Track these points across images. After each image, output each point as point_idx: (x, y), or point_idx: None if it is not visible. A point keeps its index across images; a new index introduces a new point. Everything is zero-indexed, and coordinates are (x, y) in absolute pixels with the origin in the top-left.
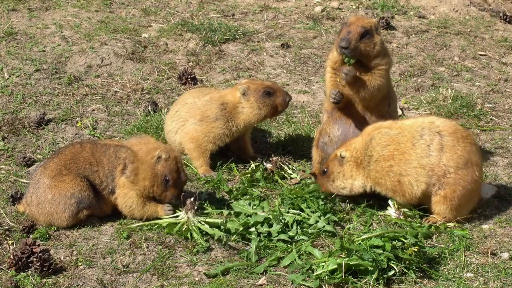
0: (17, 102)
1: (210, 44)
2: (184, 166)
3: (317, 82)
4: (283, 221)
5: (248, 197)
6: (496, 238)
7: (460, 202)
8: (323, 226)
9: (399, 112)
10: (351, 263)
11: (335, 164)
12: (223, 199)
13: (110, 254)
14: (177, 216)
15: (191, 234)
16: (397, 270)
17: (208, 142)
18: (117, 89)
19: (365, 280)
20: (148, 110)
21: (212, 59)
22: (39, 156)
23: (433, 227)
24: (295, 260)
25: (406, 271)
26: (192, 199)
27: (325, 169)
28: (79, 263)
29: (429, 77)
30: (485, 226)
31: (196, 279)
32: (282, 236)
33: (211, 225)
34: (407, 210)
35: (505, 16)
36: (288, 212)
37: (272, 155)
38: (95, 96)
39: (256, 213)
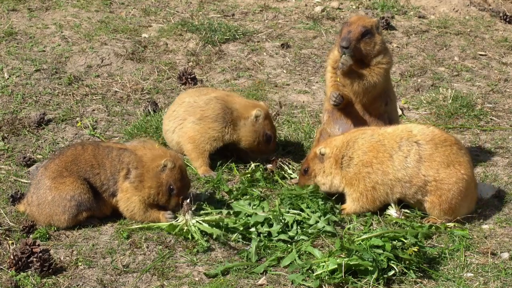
0: (17, 102)
1: (210, 44)
2: (187, 172)
3: (317, 82)
4: (283, 221)
5: (248, 197)
6: (496, 238)
7: (451, 204)
8: (323, 227)
9: (399, 112)
10: (351, 263)
11: (316, 162)
12: (223, 199)
13: (110, 254)
14: (175, 218)
15: (191, 235)
16: (397, 270)
17: (205, 142)
18: (117, 89)
19: (365, 280)
20: (148, 110)
21: (212, 59)
22: (39, 156)
23: (433, 227)
24: (295, 260)
25: (406, 271)
26: (188, 200)
27: (306, 168)
28: (79, 263)
29: (429, 77)
30: (485, 226)
31: (196, 279)
32: (282, 236)
33: (210, 223)
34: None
35: (505, 16)
36: (288, 212)
37: (272, 155)
38: (95, 96)
39: (256, 213)
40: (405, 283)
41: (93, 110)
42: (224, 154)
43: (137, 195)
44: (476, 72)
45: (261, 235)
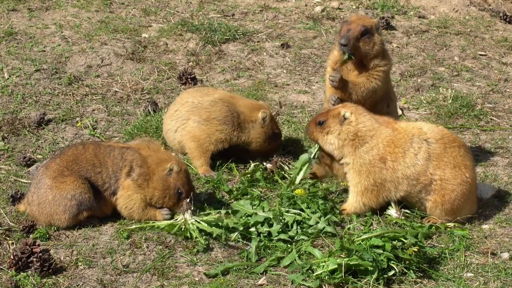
0: (17, 102)
1: (210, 44)
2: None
3: (317, 82)
4: (283, 221)
5: (248, 197)
6: (496, 238)
7: (453, 205)
8: (323, 228)
9: (399, 112)
10: (351, 263)
11: (335, 121)
12: (223, 199)
13: (110, 254)
14: (173, 217)
15: (190, 234)
16: (397, 270)
17: (210, 143)
18: (117, 89)
19: (365, 280)
20: (148, 110)
21: (212, 59)
22: (39, 156)
23: (433, 227)
24: (295, 260)
25: (406, 271)
26: (188, 200)
27: (323, 121)
28: (79, 263)
29: (429, 77)
30: (485, 226)
31: (196, 279)
32: (283, 236)
33: (209, 223)
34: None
35: (505, 16)
36: (288, 212)
37: (272, 155)
38: (95, 96)
39: (256, 213)
40: (405, 283)
41: (93, 110)
42: (224, 154)
43: (140, 193)
44: (476, 72)
45: (261, 235)
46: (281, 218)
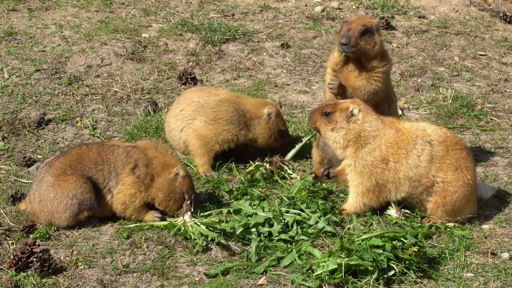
0: (17, 102)
1: (210, 44)
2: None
3: (317, 82)
4: (283, 221)
5: (248, 197)
6: (496, 238)
7: (454, 206)
8: (323, 227)
9: (399, 112)
10: (351, 263)
11: (343, 116)
12: (223, 199)
13: (110, 254)
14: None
15: (189, 235)
16: (397, 270)
17: (216, 142)
18: (117, 89)
19: (365, 280)
20: (148, 110)
21: (212, 59)
22: (39, 156)
23: (433, 227)
24: (295, 260)
25: (406, 271)
26: (188, 201)
27: (329, 112)
28: (79, 263)
29: (429, 77)
30: (485, 226)
31: (196, 279)
32: (283, 236)
33: (207, 225)
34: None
35: (505, 16)
36: (288, 212)
37: (272, 155)
38: (95, 96)
39: (256, 213)
40: (405, 283)
41: (93, 110)
42: (224, 154)
43: (143, 192)
44: (476, 72)
45: (262, 235)
46: (281, 218)
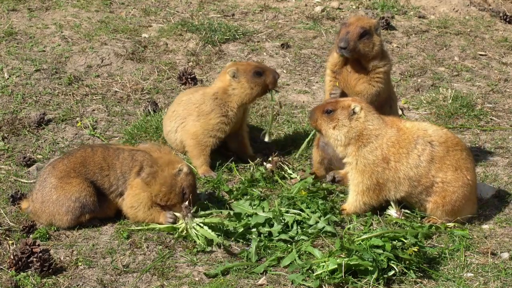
0: (17, 102)
1: (210, 44)
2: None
3: (317, 82)
4: (283, 221)
5: (248, 197)
6: (496, 238)
7: (454, 206)
8: (323, 227)
9: (399, 112)
10: (351, 263)
11: (345, 114)
12: (223, 199)
13: (110, 254)
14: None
15: (192, 239)
16: (397, 270)
17: (208, 136)
18: (117, 89)
19: (365, 280)
20: (148, 110)
21: (212, 59)
22: (39, 156)
23: (433, 227)
24: (295, 260)
25: (406, 271)
26: (187, 203)
27: (331, 110)
28: (79, 263)
29: (429, 77)
30: (485, 226)
31: (196, 279)
32: (283, 236)
33: (210, 226)
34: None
35: (505, 16)
36: (288, 212)
37: (272, 155)
38: (95, 96)
39: (256, 214)
40: (405, 283)
41: (93, 110)
42: (224, 154)
43: (147, 191)
44: (476, 72)
45: (262, 235)
46: (281, 218)
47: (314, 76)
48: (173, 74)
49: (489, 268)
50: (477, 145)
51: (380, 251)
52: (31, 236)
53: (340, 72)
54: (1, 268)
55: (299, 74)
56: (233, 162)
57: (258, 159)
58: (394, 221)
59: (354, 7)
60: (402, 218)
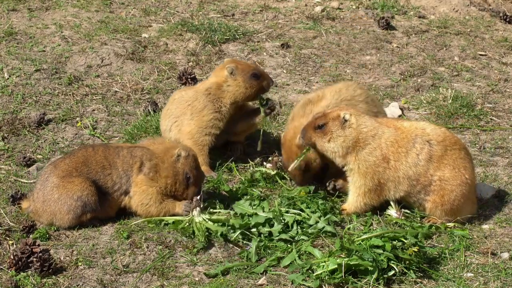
0: (17, 102)
1: (210, 44)
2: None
3: (317, 82)
4: (283, 221)
5: (248, 197)
6: (496, 238)
7: (452, 205)
8: (323, 227)
9: (399, 112)
10: (351, 263)
11: (336, 125)
12: (223, 199)
13: (110, 254)
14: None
15: (193, 231)
16: (397, 270)
17: (204, 134)
18: (117, 89)
19: (365, 280)
20: (148, 110)
21: (212, 59)
22: (39, 156)
23: (433, 227)
24: (295, 260)
25: (406, 271)
26: (198, 197)
27: (323, 125)
28: (79, 263)
29: (429, 77)
30: (485, 226)
31: (196, 279)
32: (283, 236)
33: (215, 221)
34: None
35: (505, 16)
36: (288, 212)
37: (272, 155)
38: (95, 96)
39: (256, 214)
40: (405, 283)
41: (93, 110)
42: (224, 154)
43: (154, 186)
44: (476, 72)
45: (262, 235)
46: (281, 218)
47: (314, 76)
48: (173, 74)
49: (489, 268)
50: (477, 145)
51: (380, 251)
52: (31, 236)
53: None
54: (1, 268)
55: (299, 74)
56: (233, 162)
57: (258, 159)
58: (394, 221)
59: (354, 7)
60: (402, 218)
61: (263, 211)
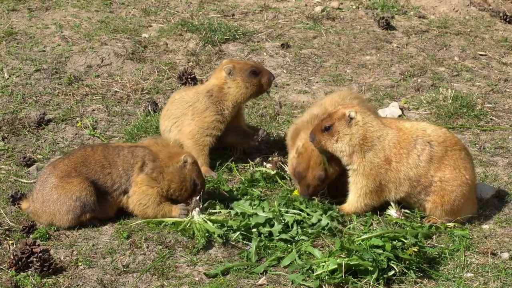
0: (17, 102)
1: (210, 44)
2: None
3: (317, 82)
4: (283, 221)
5: (248, 197)
6: (496, 238)
7: (453, 206)
8: (327, 224)
9: (399, 112)
10: (351, 263)
11: (342, 124)
12: (223, 199)
13: (110, 254)
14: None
15: (193, 231)
16: (397, 270)
17: (205, 135)
18: (117, 89)
19: (365, 280)
20: (148, 110)
21: (212, 59)
22: (39, 156)
23: (433, 227)
24: (295, 260)
25: (406, 271)
26: (197, 197)
27: (329, 126)
28: (79, 263)
29: (429, 77)
30: (485, 226)
31: (196, 279)
32: (283, 236)
33: (215, 222)
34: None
35: (505, 16)
36: (287, 212)
37: (272, 155)
38: (95, 96)
39: (256, 214)
40: (405, 283)
41: (93, 110)
42: (224, 153)
43: (155, 187)
44: (476, 72)
45: (262, 235)
46: (281, 218)
47: (314, 76)
48: (173, 74)
49: (489, 268)
50: (477, 145)
51: (380, 251)
52: (31, 236)
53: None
54: (1, 268)
55: (299, 74)
56: (233, 162)
57: (258, 159)
58: (394, 221)
59: (354, 7)
60: (402, 218)
61: (263, 211)
